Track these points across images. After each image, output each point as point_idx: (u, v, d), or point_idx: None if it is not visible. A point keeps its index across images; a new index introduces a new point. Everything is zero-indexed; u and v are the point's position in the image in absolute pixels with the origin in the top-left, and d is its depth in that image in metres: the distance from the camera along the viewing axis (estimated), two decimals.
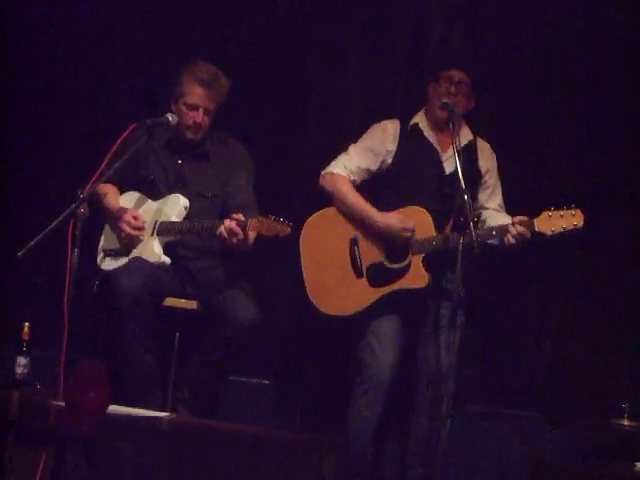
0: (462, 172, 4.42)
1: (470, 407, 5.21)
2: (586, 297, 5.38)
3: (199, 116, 4.74)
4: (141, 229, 4.69)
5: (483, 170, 4.82)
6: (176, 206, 4.73)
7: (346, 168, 4.73)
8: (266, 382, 5.33)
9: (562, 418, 5.16)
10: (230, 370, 4.85)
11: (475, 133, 4.87)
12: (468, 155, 4.75)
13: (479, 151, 4.84)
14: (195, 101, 4.74)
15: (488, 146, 4.89)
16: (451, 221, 4.62)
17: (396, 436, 4.87)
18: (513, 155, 5.27)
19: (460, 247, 4.35)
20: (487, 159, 4.86)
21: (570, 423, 5.14)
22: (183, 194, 4.76)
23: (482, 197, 4.82)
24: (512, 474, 4.77)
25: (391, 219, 4.63)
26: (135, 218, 4.69)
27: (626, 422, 4.72)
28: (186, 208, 4.73)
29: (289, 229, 4.50)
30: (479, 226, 4.67)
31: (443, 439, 4.43)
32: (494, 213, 4.80)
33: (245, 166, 4.90)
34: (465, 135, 4.80)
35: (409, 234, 4.58)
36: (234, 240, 4.51)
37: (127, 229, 4.67)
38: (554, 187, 5.33)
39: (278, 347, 5.40)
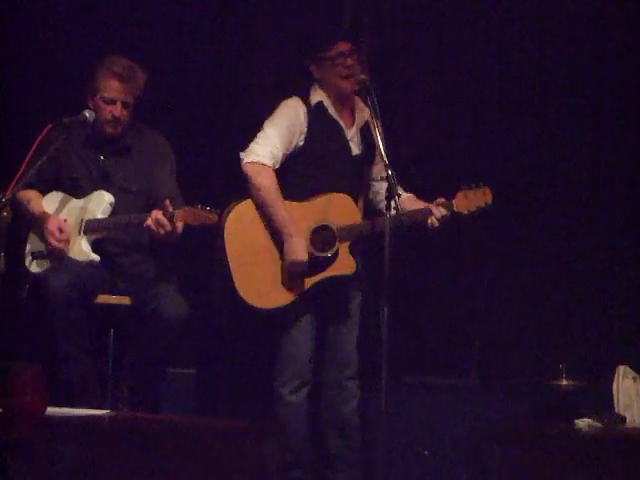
0: (383, 145, 4.34)
1: (405, 378, 5.27)
2: (516, 260, 5.47)
3: (117, 110, 4.69)
4: (67, 242, 4.63)
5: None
6: (101, 203, 4.69)
7: (272, 157, 4.59)
8: (191, 372, 5.31)
9: (499, 382, 5.24)
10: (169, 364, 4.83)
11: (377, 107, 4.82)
12: (367, 130, 4.75)
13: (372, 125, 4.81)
14: (112, 95, 4.69)
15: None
16: (361, 201, 4.68)
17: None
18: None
19: (387, 230, 4.25)
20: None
21: (508, 387, 5.22)
22: (107, 190, 4.72)
23: (376, 169, 4.81)
24: (452, 443, 4.81)
25: (298, 250, 4.55)
26: (60, 230, 4.64)
27: (564, 382, 4.78)
28: (111, 204, 4.69)
29: (216, 217, 4.49)
30: (372, 197, 4.78)
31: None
32: (379, 183, 4.78)
33: (167, 157, 4.86)
34: (362, 109, 4.79)
35: (300, 268, 4.56)
36: (162, 232, 4.48)
37: (53, 242, 4.62)
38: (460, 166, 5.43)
39: (203, 337, 5.37)
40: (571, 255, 5.53)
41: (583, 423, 4.48)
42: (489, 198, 4.61)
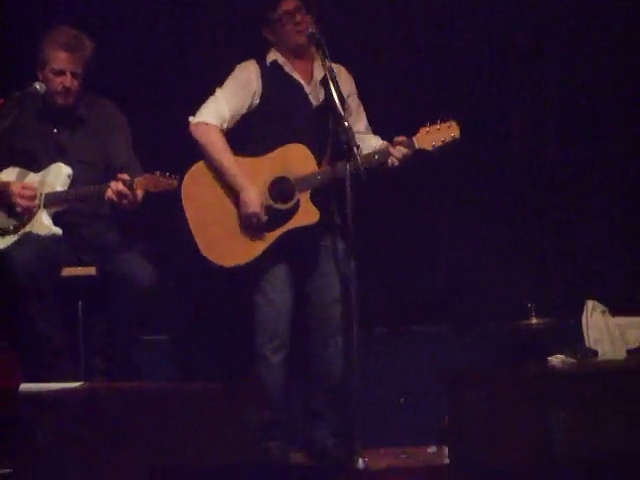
0: (338, 98, 4.35)
1: (377, 329, 5.29)
2: (480, 201, 5.48)
3: (67, 80, 4.64)
4: (34, 197, 4.60)
5: (344, 95, 4.69)
6: (59, 175, 4.65)
7: (217, 116, 4.63)
8: (165, 338, 5.30)
9: (470, 326, 5.27)
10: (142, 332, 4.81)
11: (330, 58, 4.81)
12: (328, 82, 4.71)
13: (337, 76, 4.79)
14: (61, 66, 4.64)
15: (344, 69, 4.85)
16: (328, 152, 4.64)
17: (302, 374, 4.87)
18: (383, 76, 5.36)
19: (347, 176, 4.30)
20: (346, 82, 4.81)
21: (479, 330, 5.25)
22: (64, 162, 4.67)
23: (351, 121, 4.76)
24: (427, 389, 4.84)
25: (253, 199, 4.56)
26: (24, 187, 4.60)
27: (534, 321, 4.82)
28: (69, 176, 4.65)
29: (175, 182, 4.49)
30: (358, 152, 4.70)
31: (339, 356, 4.60)
32: (362, 136, 4.77)
33: (121, 126, 4.83)
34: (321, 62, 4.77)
35: (255, 219, 4.55)
36: (123, 201, 4.46)
37: (21, 202, 4.57)
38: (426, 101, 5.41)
39: (175, 302, 5.35)
40: (535, 192, 5.56)
41: (556, 360, 4.51)
42: (456, 131, 4.54)
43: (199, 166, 4.66)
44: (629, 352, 4.72)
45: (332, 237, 4.68)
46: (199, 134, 4.64)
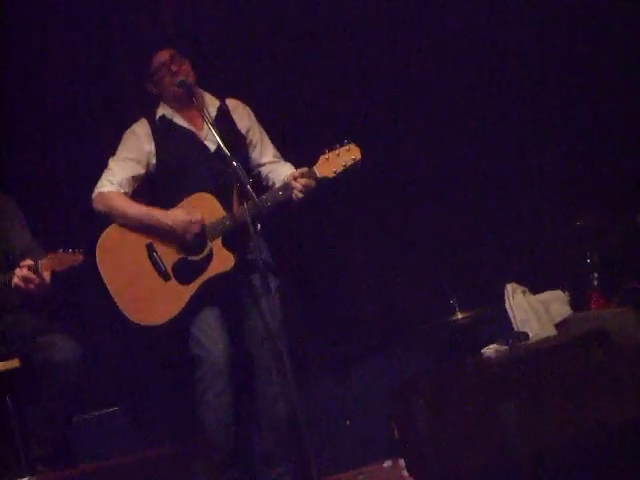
0: (223, 142, 4.34)
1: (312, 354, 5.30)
2: (386, 209, 5.52)
3: None
4: None
5: (244, 130, 4.78)
6: None
7: (113, 183, 4.60)
8: (115, 409, 5.19)
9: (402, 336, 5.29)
10: (76, 411, 4.74)
11: (222, 95, 4.83)
12: (224, 121, 4.72)
13: (232, 112, 4.80)
14: None
15: (239, 103, 4.85)
16: (235, 195, 4.60)
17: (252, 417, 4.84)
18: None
19: (248, 218, 4.31)
20: (243, 117, 4.82)
21: (411, 338, 5.27)
22: None
23: (254, 156, 4.79)
24: (369, 405, 4.86)
25: (177, 215, 4.54)
26: None
27: (459, 316, 4.85)
28: None
29: (81, 256, 4.41)
30: (265, 183, 4.73)
31: (293, 391, 4.44)
32: (273, 166, 4.78)
33: (13, 213, 4.72)
34: (212, 103, 4.77)
35: (198, 225, 4.52)
36: (30, 286, 4.38)
37: None
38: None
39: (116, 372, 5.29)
40: (440, 186, 5.63)
41: (490, 350, 4.56)
42: (356, 153, 4.48)
43: (109, 231, 4.60)
44: (557, 326, 4.79)
45: (254, 275, 4.63)
46: (99, 205, 4.62)
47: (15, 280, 4.38)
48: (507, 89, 5.61)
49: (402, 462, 4.47)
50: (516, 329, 4.71)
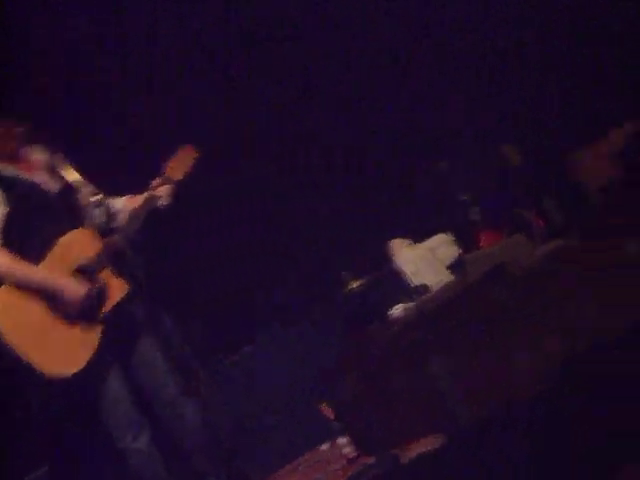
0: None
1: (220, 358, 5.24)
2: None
3: None
4: None
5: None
6: None
7: None
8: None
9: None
10: None
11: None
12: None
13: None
14: None
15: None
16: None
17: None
18: None
19: (119, 248, 4.28)
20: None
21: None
22: None
23: None
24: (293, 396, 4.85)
25: (73, 284, 4.30)
26: None
27: (355, 284, 4.85)
28: None
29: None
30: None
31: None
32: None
33: None
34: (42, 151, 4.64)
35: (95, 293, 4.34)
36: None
37: None
38: None
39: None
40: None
41: (397, 310, 4.54)
42: (191, 153, 4.55)
43: (2, 291, 4.26)
44: (450, 268, 4.82)
45: (140, 305, 4.54)
46: None
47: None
48: None
49: (340, 441, 4.47)
50: (412, 284, 4.71)
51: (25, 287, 4.30)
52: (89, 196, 4.28)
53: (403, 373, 3.93)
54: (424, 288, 4.65)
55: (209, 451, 4.52)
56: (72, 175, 4.33)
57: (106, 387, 4.41)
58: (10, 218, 4.41)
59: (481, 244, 4.91)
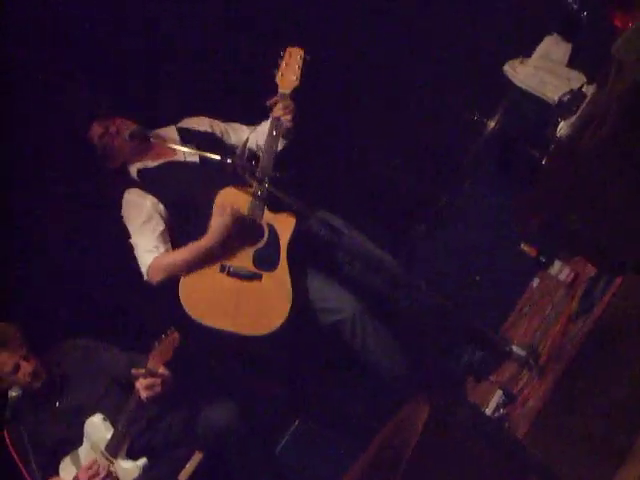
0: (201, 149, 4.43)
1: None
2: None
3: (26, 368, 4.55)
4: (99, 465, 4.51)
5: (208, 129, 4.78)
6: (96, 426, 4.55)
7: (150, 251, 4.47)
8: None
9: None
10: None
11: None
12: (187, 136, 4.72)
13: (188, 125, 4.82)
14: (8, 367, 4.54)
15: (189, 117, 4.87)
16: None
17: None
18: None
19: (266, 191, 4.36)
20: (198, 122, 4.83)
21: None
22: (88, 416, 4.58)
23: (233, 140, 4.79)
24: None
25: (216, 226, 4.41)
26: (87, 469, 4.52)
27: (492, 124, 4.81)
28: (105, 419, 4.54)
29: (176, 333, 4.40)
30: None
31: None
32: (253, 134, 4.75)
33: (98, 351, 4.77)
34: (168, 131, 4.77)
35: (239, 217, 4.41)
36: (158, 389, 4.40)
37: None
38: None
39: None
40: None
41: (563, 130, 4.18)
42: (298, 51, 4.52)
43: (182, 287, 4.45)
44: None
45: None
46: (155, 276, 4.47)
47: (141, 395, 4.38)
48: None
49: (552, 270, 4.46)
50: (553, 100, 4.57)
51: (199, 266, 4.46)
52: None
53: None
54: (580, 96, 4.37)
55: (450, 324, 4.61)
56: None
57: (330, 310, 4.51)
58: (160, 203, 4.57)
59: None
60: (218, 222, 4.40)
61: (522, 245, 4.45)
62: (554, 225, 3.18)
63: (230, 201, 4.44)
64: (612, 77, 3.32)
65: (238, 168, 4.25)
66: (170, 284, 4.47)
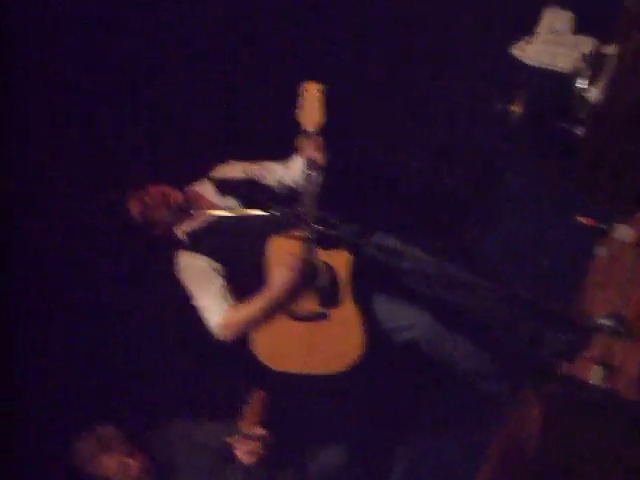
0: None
1: None
2: None
3: (132, 464, 4.56)
4: None
5: (244, 175, 4.77)
6: None
7: (216, 313, 4.40)
8: None
9: None
10: None
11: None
12: (224, 185, 4.73)
13: (222, 169, 4.81)
14: (114, 468, 4.55)
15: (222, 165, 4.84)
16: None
17: None
18: None
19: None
20: (232, 169, 4.79)
21: None
22: None
23: (270, 179, 4.77)
24: None
25: (278, 275, 4.39)
26: None
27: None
28: None
29: (261, 391, 4.45)
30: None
31: None
32: (284, 170, 4.76)
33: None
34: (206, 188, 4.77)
35: (297, 260, 4.38)
36: (255, 456, 4.47)
37: None
38: None
39: None
40: None
41: None
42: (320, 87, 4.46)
43: (257, 342, 4.41)
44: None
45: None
46: (227, 334, 4.41)
47: (247, 461, 4.39)
48: None
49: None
50: (567, 68, 4.54)
51: (269, 317, 4.42)
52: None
53: None
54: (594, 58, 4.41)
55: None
56: None
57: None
58: (215, 259, 4.54)
59: None
60: (281, 271, 4.38)
61: (579, 219, 4.41)
62: (619, 183, 3.17)
63: (284, 248, 4.42)
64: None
65: (284, 216, 4.25)
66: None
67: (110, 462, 4.48)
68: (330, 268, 4.46)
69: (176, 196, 4.59)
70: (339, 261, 4.48)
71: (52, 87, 5.05)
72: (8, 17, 4.91)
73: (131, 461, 4.50)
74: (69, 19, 5.06)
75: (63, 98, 5.06)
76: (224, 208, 4.59)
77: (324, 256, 4.45)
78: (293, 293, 4.39)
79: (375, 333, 4.45)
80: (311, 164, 4.42)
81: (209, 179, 4.74)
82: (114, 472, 4.48)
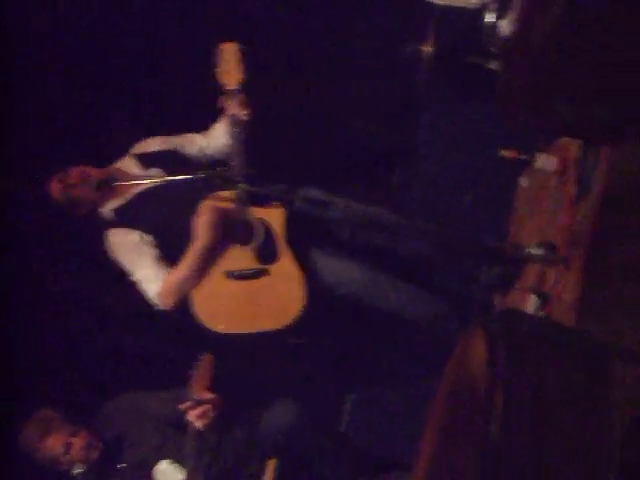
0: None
1: None
2: None
3: (77, 442, 4.53)
4: None
5: (166, 148, 4.78)
6: (168, 472, 4.52)
7: (154, 282, 4.43)
8: None
9: None
10: None
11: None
12: (145, 158, 4.74)
13: (144, 148, 4.81)
14: (60, 448, 4.53)
15: (141, 142, 4.82)
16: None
17: None
18: None
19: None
20: (152, 143, 4.81)
21: None
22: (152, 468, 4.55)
23: (192, 150, 4.78)
24: None
25: (202, 229, 4.39)
26: None
27: None
28: (171, 462, 4.53)
29: (208, 355, 4.43)
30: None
31: None
32: (207, 139, 4.78)
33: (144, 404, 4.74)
34: (128, 163, 4.75)
35: (216, 208, 4.41)
36: (212, 414, 4.42)
37: None
38: None
39: None
40: None
41: None
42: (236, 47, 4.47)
43: (196, 302, 4.43)
44: None
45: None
46: (166, 301, 4.44)
47: (197, 425, 4.38)
48: None
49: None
50: (475, 3, 4.55)
51: (202, 271, 4.44)
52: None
53: None
54: None
55: None
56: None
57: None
58: (145, 233, 4.54)
59: None
60: (201, 220, 4.39)
61: (501, 152, 4.47)
62: (539, 111, 3.22)
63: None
64: None
65: (211, 179, 4.24)
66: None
67: (54, 443, 4.48)
68: (265, 224, 4.48)
69: (97, 173, 4.56)
70: (274, 217, 4.50)
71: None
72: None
73: (75, 439, 4.50)
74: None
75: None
76: (148, 178, 4.57)
77: (259, 213, 4.48)
78: (217, 240, 4.41)
79: (317, 287, 4.50)
80: (236, 121, 4.43)
81: (130, 156, 4.73)
82: (60, 453, 4.48)
